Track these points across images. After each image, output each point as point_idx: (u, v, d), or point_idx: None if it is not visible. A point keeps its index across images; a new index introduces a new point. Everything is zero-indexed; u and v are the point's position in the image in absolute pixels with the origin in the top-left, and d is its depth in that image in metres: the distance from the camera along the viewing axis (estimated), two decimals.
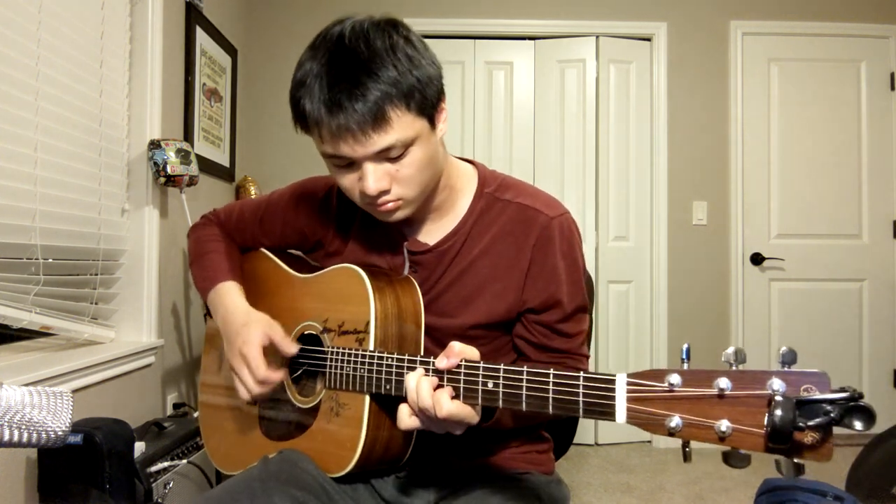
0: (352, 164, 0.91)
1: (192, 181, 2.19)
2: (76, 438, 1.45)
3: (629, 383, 0.69)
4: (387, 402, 0.95)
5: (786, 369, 0.62)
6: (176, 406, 2.25)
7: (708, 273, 3.48)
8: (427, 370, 0.86)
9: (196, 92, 2.56)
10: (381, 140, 0.86)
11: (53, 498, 1.46)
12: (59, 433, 0.62)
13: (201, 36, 2.62)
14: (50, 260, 1.71)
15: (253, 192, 3.04)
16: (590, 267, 3.16)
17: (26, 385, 0.65)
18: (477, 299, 1.02)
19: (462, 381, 0.83)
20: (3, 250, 1.53)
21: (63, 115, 1.75)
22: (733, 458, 0.63)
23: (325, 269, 1.08)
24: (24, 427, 0.59)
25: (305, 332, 1.08)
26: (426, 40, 0.94)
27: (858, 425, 0.57)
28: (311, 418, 1.03)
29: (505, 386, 0.80)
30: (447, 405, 0.82)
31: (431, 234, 1.06)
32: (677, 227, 3.47)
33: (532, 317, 1.03)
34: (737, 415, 0.63)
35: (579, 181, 3.46)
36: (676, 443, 0.67)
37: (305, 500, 0.94)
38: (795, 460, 0.61)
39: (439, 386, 0.84)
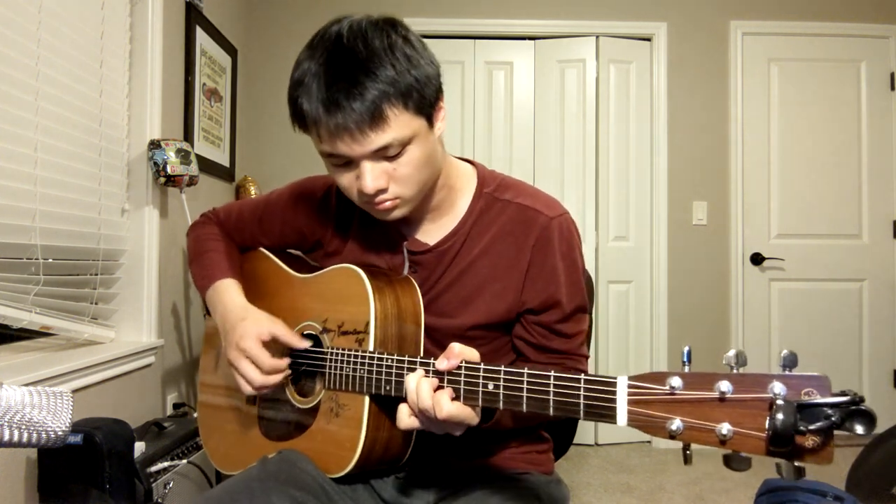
0: (350, 163, 0.91)
1: (192, 181, 2.19)
2: (76, 438, 1.45)
3: (630, 386, 0.69)
4: (386, 403, 0.95)
5: (787, 373, 0.62)
6: (176, 406, 2.25)
7: (708, 273, 3.48)
8: (427, 371, 0.86)
9: (196, 92, 2.56)
10: (378, 139, 0.86)
11: (53, 498, 1.46)
12: (59, 433, 0.62)
13: (201, 36, 2.62)
14: (50, 260, 1.71)
15: (253, 192, 3.04)
16: (590, 267, 3.16)
17: (26, 385, 0.65)
18: (476, 300, 1.02)
19: (462, 383, 0.83)
20: (3, 250, 1.53)
21: (63, 115, 1.75)
22: (734, 461, 0.63)
23: (325, 269, 1.08)
24: (24, 427, 0.59)
25: (305, 333, 1.08)
26: (426, 40, 0.94)
27: (859, 429, 0.57)
28: (311, 418, 1.03)
29: (505, 387, 0.80)
30: (447, 406, 0.82)
31: (431, 233, 1.06)
32: (677, 227, 3.47)
33: (531, 317, 1.03)
34: (738, 418, 0.63)
35: (579, 181, 3.45)
36: (676, 443, 0.67)
37: (304, 500, 0.94)
38: (796, 463, 0.61)
39: (439, 387, 0.84)
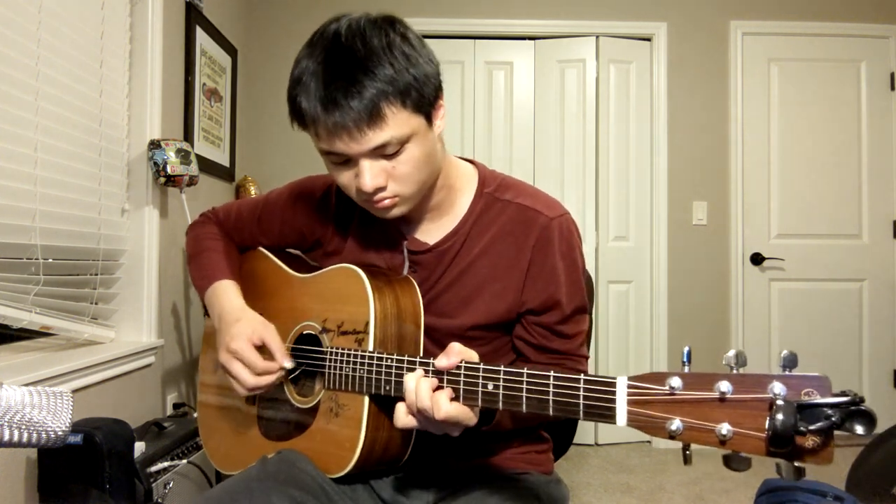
0: (348, 161, 0.91)
1: (192, 181, 2.19)
2: (76, 438, 1.45)
3: (630, 386, 0.69)
4: (386, 403, 0.95)
5: (787, 373, 0.62)
6: (176, 406, 2.25)
7: (708, 273, 3.48)
8: (426, 371, 0.86)
9: (196, 92, 2.56)
10: (376, 137, 0.86)
11: (53, 498, 1.46)
12: (59, 433, 0.62)
13: (201, 36, 2.62)
14: (50, 260, 1.70)
15: (253, 192, 3.04)
16: (590, 267, 3.16)
17: (26, 385, 0.65)
18: (476, 300, 1.02)
19: (462, 383, 0.83)
20: (3, 250, 1.53)
21: (63, 115, 1.75)
22: (734, 461, 0.63)
23: (324, 269, 1.08)
24: (24, 427, 0.59)
25: (304, 332, 1.08)
26: (425, 40, 0.94)
27: (859, 429, 0.57)
28: (310, 418, 1.03)
29: (505, 388, 0.80)
30: (445, 407, 0.82)
31: (431, 233, 1.06)
32: (677, 227, 3.47)
33: (531, 318, 1.03)
34: (738, 418, 0.63)
35: (579, 181, 3.45)
36: (676, 443, 0.67)
37: (304, 500, 0.93)
38: (796, 464, 0.61)
39: (439, 387, 0.84)
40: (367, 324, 0.96)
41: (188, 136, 2.49)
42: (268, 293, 1.16)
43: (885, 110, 3.50)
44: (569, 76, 3.48)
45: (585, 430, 3.40)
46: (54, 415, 0.62)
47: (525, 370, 0.79)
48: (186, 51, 2.48)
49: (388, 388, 0.91)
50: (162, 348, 2.23)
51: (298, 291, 1.12)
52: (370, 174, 0.90)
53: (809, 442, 0.60)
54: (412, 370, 0.87)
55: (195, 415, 2.08)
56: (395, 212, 0.96)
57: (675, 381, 0.66)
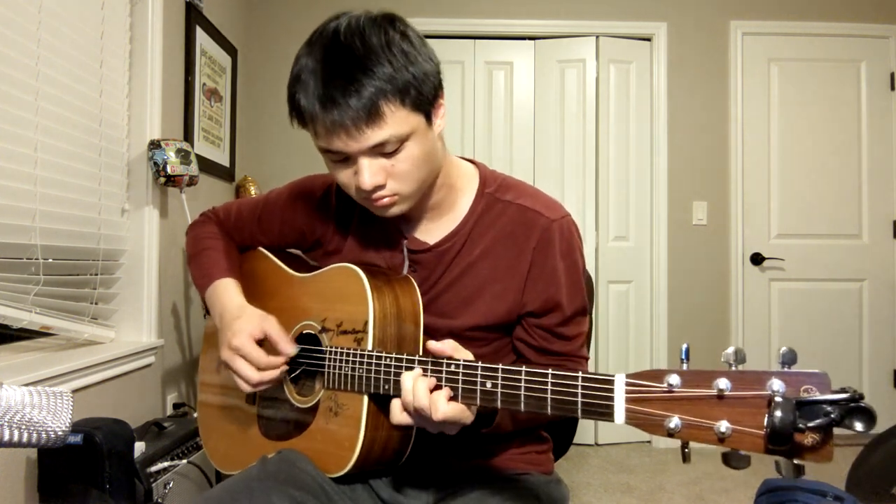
0: (347, 159, 0.91)
1: (192, 181, 2.19)
2: (76, 438, 1.45)
3: (628, 384, 0.69)
4: (385, 403, 0.94)
5: (786, 370, 0.61)
6: (176, 406, 2.24)
7: (708, 273, 3.48)
8: (424, 370, 0.86)
9: (196, 92, 2.56)
10: (374, 135, 0.86)
11: (53, 498, 1.46)
12: (59, 433, 0.62)
13: (201, 36, 2.62)
14: (50, 260, 1.71)
15: (253, 192, 3.04)
16: (590, 267, 3.16)
17: (26, 385, 0.65)
18: (476, 300, 1.02)
19: (460, 382, 0.83)
20: (3, 250, 1.53)
21: (63, 115, 1.75)
22: (733, 459, 0.63)
23: (324, 269, 1.08)
24: (24, 427, 0.59)
25: (304, 332, 1.07)
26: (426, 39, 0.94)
27: (859, 426, 0.57)
28: (310, 418, 1.03)
29: (503, 386, 0.80)
30: (444, 408, 0.82)
31: (431, 233, 1.06)
32: (677, 227, 3.47)
33: (532, 320, 1.02)
34: (736, 416, 0.62)
35: (579, 181, 3.45)
36: (676, 443, 0.66)
37: (304, 500, 0.93)
38: (795, 462, 0.60)
39: (437, 387, 0.84)
40: (366, 323, 0.96)
41: (188, 136, 2.49)
42: (267, 293, 1.16)
43: (885, 110, 3.50)
44: (569, 76, 3.48)
45: (585, 430, 3.40)
46: (54, 415, 0.62)
47: (523, 368, 0.79)
48: (186, 51, 2.48)
49: (387, 387, 0.91)
50: (162, 348, 2.23)
51: (298, 291, 1.12)
52: (369, 172, 0.90)
53: (808, 439, 0.59)
54: (411, 369, 0.87)
55: (195, 415, 2.08)
56: (395, 210, 0.96)
57: (674, 379, 0.66)
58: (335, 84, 0.84)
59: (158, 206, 2.20)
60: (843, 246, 3.49)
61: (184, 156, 2.13)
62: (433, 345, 0.84)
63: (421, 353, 0.96)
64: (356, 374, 0.95)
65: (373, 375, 0.93)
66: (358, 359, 0.95)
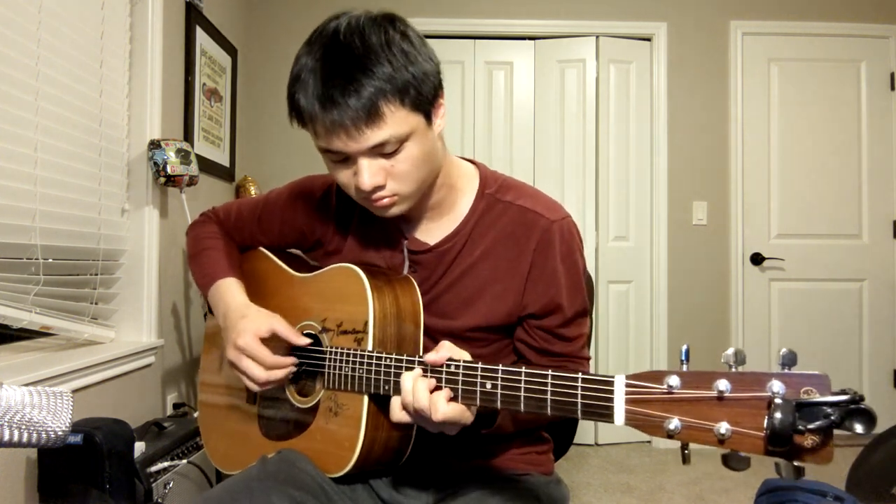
0: (347, 160, 0.91)
1: (192, 181, 2.19)
2: (76, 438, 1.45)
3: (628, 385, 0.69)
4: (385, 403, 0.94)
5: (786, 371, 0.61)
6: (176, 406, 2.25)
7: (708, 273, 3.48)
8: (424, 370, 0.86)
9: (196, 92, 2.56)
10: (374, 135, 0.86)
11: (53, 498, 1.46)
12: (59, 433, 0.62)
13: (201, 36, 2.62)
14: (50, 260, 1.71)
15: (253, 192, 3.04)
16: (590, 267, 3.16)
17: (26, 385, 0.65)
18: (477, 301, 1.02)
19: (460, 382, 0.83)
20: (3, 250, 1.53)
21: (63, 115, 1.75)
22: (733, 460, 0.63)
23: (324, 269, 1.08)
24: (24, 427, 0.59)
25: (304, 332, 1.07)
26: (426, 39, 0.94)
27: (859, 428, 0.57)
28: (310, 418, 1.03)
29: (503, 387, 0.80)
30: (443, 409, 0.82)
31: (431, 233, 1.05)
32: (677, 227, 3.47)
33: (533, 322, 1.02)
34: (736, 417, 0.62)
35: (579, 181, 3.45)
36: (676, 443, 0.66)
37: (304, 500, 0.93)
38: (795, 463, 0.60)
39: (437, 387, 0.84)
40: (366, 323, 0.96)
41: (188, 136, 2.49)
42: (268, 293, 1.16)
43: (885, 110, 3.50)
44: (569, 76, 3.48)
45: (585, 430, 3.40)
46: (54, 415, 0.62)
47: (523, 369, 0.79)
48: (186, 51, 2.48)
49: (387, 387, 0.91)
50: (162, 348, 2.23)
51: (298, 291, 1.12)
52: (368, 173, 0.90)
53: (808, 441, 0.59)
54: (411, 370, 0.87)
55: (195, 415, 2.08)
56: (395, 210, 0.96)
57: (674, 380, 0.66)
58: (335, 84, 0.84)
59: (158, 206, 2.20)
60: (843, 246, 3.49)
61: (184, 156, 2.13)
62: (431, 357, 0.84)
63: (421, 354, 0.96)
64: (356, 374, 0.95)
65: (373, 376, 0.93)
66: (358, 359, 0.95)
